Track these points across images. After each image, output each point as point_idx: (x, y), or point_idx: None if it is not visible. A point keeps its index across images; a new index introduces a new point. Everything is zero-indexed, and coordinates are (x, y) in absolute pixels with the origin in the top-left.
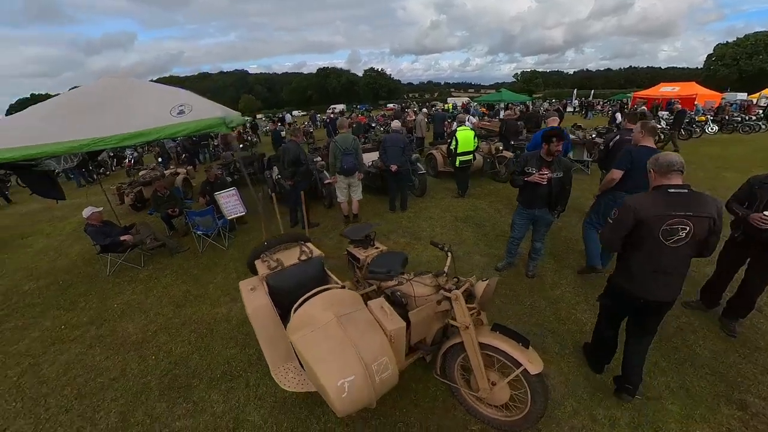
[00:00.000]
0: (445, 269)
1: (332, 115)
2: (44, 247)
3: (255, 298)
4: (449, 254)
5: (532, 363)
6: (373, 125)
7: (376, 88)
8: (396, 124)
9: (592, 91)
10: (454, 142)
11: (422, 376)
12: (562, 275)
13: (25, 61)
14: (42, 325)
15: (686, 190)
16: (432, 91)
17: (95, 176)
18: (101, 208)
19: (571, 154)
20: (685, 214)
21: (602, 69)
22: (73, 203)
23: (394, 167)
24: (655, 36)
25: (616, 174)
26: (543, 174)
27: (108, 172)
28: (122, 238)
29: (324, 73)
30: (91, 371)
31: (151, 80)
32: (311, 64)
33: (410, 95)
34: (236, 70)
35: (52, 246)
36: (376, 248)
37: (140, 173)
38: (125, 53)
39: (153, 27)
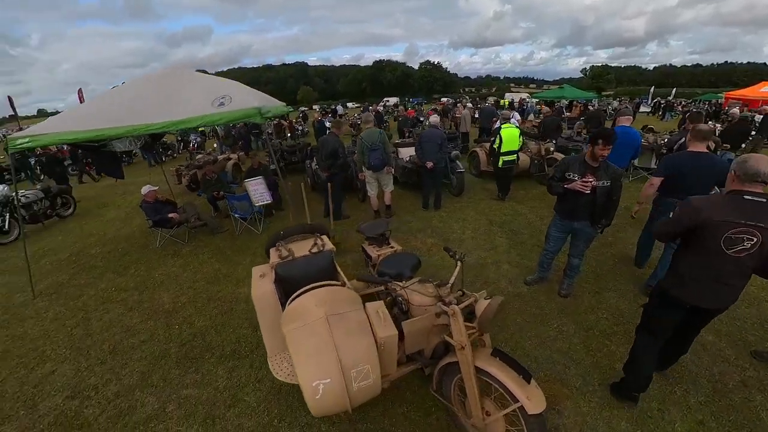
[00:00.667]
0: (452, 279)
1: (380, 109)
2: (114, 217)
3: (262, 284)
4: (459, 263)
5: (531, 400)
6: (422, 119)
7: (430, 81)
8: (434, 119)
9: (674, 89)
10: (497, 141)
11: (419, 388)
12: (602, 299)
13: (120, 54)
14: (98, 285)
15: (764, 200)
16: (490, 85)
17: (163, 158)
18: (156, 187)
19: (636, 161)
20: (756, 225)
21: (690, 64)
22: (142, 180)
23: (429, 164)
24: (764, 27)
25: (654, 181)
26: (586, 182)
27: (175, 155)
28: (170, 215)
29: (379, 65)
30: (127, 332)
31: (222, 71)
32: (369, 56)
33: (466, 89)
34: (297, 62)
35: (120, 217)
36: (391, 247)
37: (197, 157)
38: (203, 46)
39: (227, 22)
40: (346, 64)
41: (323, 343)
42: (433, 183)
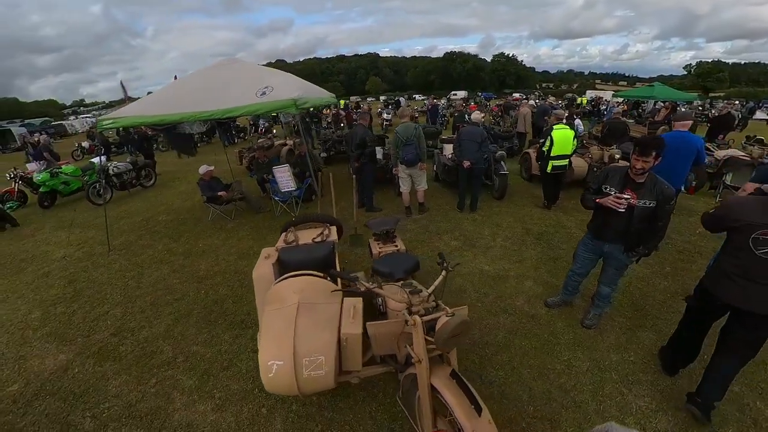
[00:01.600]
0: (431, 288)
1: (435, 102)
2: (183, 191)
3: (263, 264)
4: (444, 272)
5: None
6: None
7: (503, 75)
8: (476, 115)
9: None
10: (548, 143)
11: (394, 392)
12: (635, 338)
13: (214, 44)
14: (156, 247)
15: None
16: (571, 81)
17: (236, 139)
18: (212, 167)
19: (728, 177)
20: None
21: None
22: (216, 159)
23: (466, 163)
24: None
25: (748, 187)
26: (621, 198)
27: (246, 137)
28: (219, 193)
29: (449, 57)
30: (167, 289)
31: (299, 61)
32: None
33: (543, 85)
34: (368, 53)
35: (187, 191)
36: (395, 245)
37: (259, 141)
38: (284, 36)
39: (307, 13)
40: (417, 55)
41: (286, 327)
42: (469, 183)
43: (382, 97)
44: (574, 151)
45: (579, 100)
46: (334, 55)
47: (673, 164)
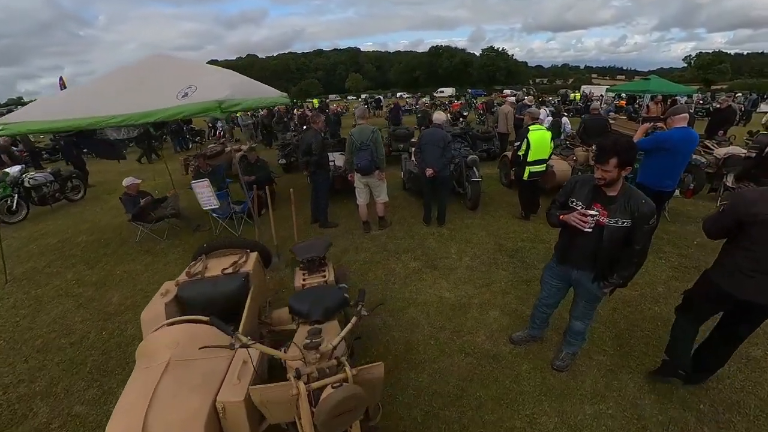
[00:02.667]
0: (336, 340)
1: (397, 102)
2: (114, 205)
3: (156, 304)
4: (355, 318)
5: None
6: (465, 114)
7: (492, 70)
8: (438, 116)
9: None
10: (524, 146)
11: None
12: (613, 384)
13: (176, 35)
14: (65, 276)
15: None
16: (566, 75)
17: (190, 144)
18: (139, 180)
19: (729, 178)
20: None
21: None
22: (162, 167)
23: (429, 171)
24: None
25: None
26: (587, 215)
27: (204, 140)
28: (141, 201)
29: (435, 51)
30: (65, 330)
31: (272, 56)
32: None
33: (537, 80)
34: (349, 47)
35: (119, 205)
36: (322, 275)
37: (209, 146)
38: (257, 28)
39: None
40: (402, 50)
41: (141, 397)
42: (434, 194)
43: (363, 95)
44: (552, 154)
45: (572, 95)
46: (312, 50)
47: (672, 165)
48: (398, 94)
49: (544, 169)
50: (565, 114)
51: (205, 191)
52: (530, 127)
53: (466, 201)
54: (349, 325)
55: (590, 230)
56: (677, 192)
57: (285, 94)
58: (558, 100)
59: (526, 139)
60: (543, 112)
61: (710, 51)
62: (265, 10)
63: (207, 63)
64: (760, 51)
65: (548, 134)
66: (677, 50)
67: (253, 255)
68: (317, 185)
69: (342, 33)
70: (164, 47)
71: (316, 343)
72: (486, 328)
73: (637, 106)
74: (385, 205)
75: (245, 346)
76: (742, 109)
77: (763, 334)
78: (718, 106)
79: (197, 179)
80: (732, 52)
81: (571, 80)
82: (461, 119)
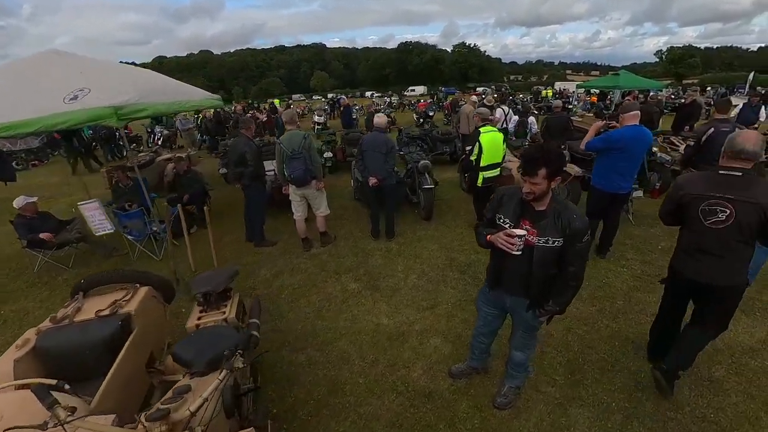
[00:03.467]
0: (197, 402)
1: (347, 102)
2: (9, 231)
3: (5, 360)
4: (225, 370)
5: None
6: (431, 113)
7: (464, 67)
8: (379, 119)
9: None
10: (476, 150)
11: None
12: (561, 421)
13: (118, 28)
14: None
15: (738, 174)
16: (540, 72)
17: (125, 152)
18: (35, 198)
19: None
20: (723, 197)
21: None
22: (88, 180)
23: (372, 180)
24: None
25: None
26: (514, 235)
27: (142, 148)
28: (41, 235)
29: (405, 48)
30: None
31: (229, 52)
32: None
33: (511, 77)
34: (314, 43)
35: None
36: (221, 312)
37: (139, 156)
38: (212, 22)
39: None
40: (371, 46)
41: None
42: (380, 205)
43: (329, 95)
44: (506, 157)
45: (544, 92)
46: (274, 46)
47: (626, 165)
48: (367, 94)
49: (499, 173)
50: (536, 112)
51: (95, 213)
52: (481, 129)
53: (419, 210)
54: (216, 383)
55: (519, 252)
56: (641, 193)
57: (217, 96)
58: (530, 98)
59: (478, 143)
60: (499, 111)
61: (681, 45)
62: (222, 2)
63: (154, 59)
64: (729, 44)
65: (500, 135)
66: (650, 45)
67: (143, 290)
68: (252, 199)
69: (306, 28)
70: (104, 42)
71: (163, 412)
72: (424, 360)
73: (608, 102)
74: (326, 218)
75: (62, 423)
76: (711, 103)
77: (727, 350)
78: (683, 101)
79: (116, 194)
80: (703, 46)
81: (545, 76)
82: (427, 119)
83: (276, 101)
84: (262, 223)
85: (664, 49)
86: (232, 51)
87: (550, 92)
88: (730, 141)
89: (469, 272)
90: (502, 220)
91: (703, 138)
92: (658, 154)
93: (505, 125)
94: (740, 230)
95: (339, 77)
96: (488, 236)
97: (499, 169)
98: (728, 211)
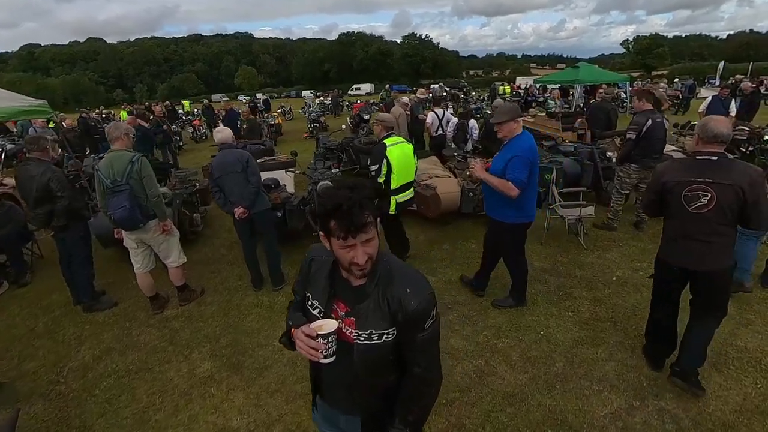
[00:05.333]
0: None
1: (231, 106)
2: None
3: None
4: None
5: None
6: (367, 117)
7: (416, 61)
8: (221, 134)
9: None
10: (384, 169)
11: None
12: None
13: None
14: None
15: (714, 158)
16: (502, 66)
17: None
18: None
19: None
20: (704, 181)
21: None
22: None
23: (238, 211)
24: None
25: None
26: (315, 336)
27: None
28: None
29: (347, 40)
30: None
31: (129, 41)
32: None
33: (471, 72)
34: (239, 32)
35: None
36: None
37: None
38: (106, 2)
39: None
40: (309, 37)
41: None
42: (250, 242)
43: (259, 95)
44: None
45: (501, 89)
46: (188, 35)
47: (533, 183)
48: (304, 93)
49: (413, 194)
50: (478, 116)
51: None
52: (386, 142)
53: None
54: None
55: (329, 360)
56: (591, 210)
57: (43, 102)
58: (487, 96)
59: (385, 160)
60: (431, 116)
61: (648, 34)
62: None
63: (21, 48)
64: (698, 33)
65: (410, 147)
66: (617, 35)
67: None
68: (71, 246)
69: (230, 14)
70: None
71: None
72: None
73: (570, 97)
74: (182, 268)
75: None
76: (679, 96)
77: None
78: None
79: None
80: (671, 35)
81: (508, 71)
82: (363, 124)
83: (185, 102)
84: (90, 277)
85: (629, 39)
86: (132, 40)
87: (508, 89)
88: (703, 127)
89: None
90: (310, 302)
91: (643, 130)
92: (614, 160)
93: (441, 131)
94: (723, 213)
95: (271, 74)
96: (293, 330)
97: (412, 189)
98: (709, 195)
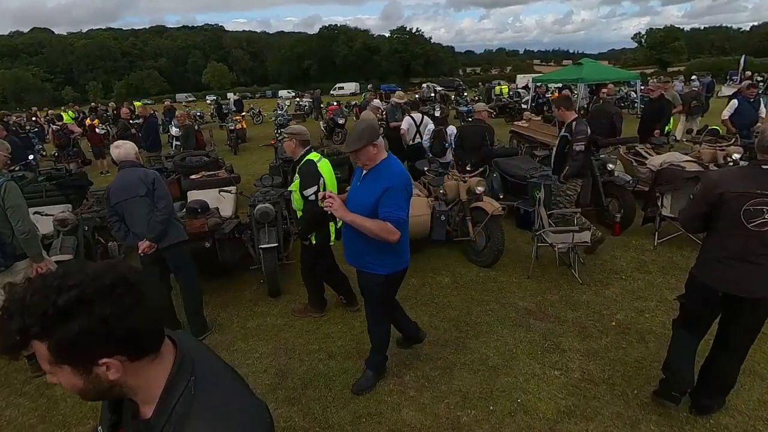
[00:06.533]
0: None
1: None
2: None
3: None
4: None
5: None
6: (342, 121)
7: (406, 58)
8: (121, 149)
9: None
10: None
11: None
12: None
13: None
14: None
15: None
16: (503, 63)
17: None
18: None
19: (666, 202)
20: None
21: None
22: None
23: (143, 245)
24: None
25: None
26: None
27: None
28: None
29: (328, 34)
30: None
31: (81, 32)
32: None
33: (468, 69)
34: (208, 24)
35: None
36: None
37: None
38: None
39: None
40: (288, 30)
41: None
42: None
43: (230, 95)
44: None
45: (497, 88)
46: (150, 26)
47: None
48: (281, 93)
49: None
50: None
51: None
52: (310, 158)
53: (264, 284)
54: None
55: None
56: (586, 236)
57: None
58: (478, 97)
59: (321, 179)
60: (406, 121)
61: (662, 27)
62: None
63: None
64: (719, 24)
65: (327, 162)
66: (629, 27)
67: None
68: None
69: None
70: None
71: None
72: None
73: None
74: None
75: None
76: (700, 96)
77: None
78: (650, 96)
79: None
80: (689, 27)
81: (509, 68)
82: (338, 129)
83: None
84: None
85: (641, 32)
86: (84, 31)
87: (506, 88)
88: (762, 135)
89: (305, 397)
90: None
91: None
92: (617, 173)
93: (418, 139)
94: None
95: (245, 71)
96: None
97: None
98: None
